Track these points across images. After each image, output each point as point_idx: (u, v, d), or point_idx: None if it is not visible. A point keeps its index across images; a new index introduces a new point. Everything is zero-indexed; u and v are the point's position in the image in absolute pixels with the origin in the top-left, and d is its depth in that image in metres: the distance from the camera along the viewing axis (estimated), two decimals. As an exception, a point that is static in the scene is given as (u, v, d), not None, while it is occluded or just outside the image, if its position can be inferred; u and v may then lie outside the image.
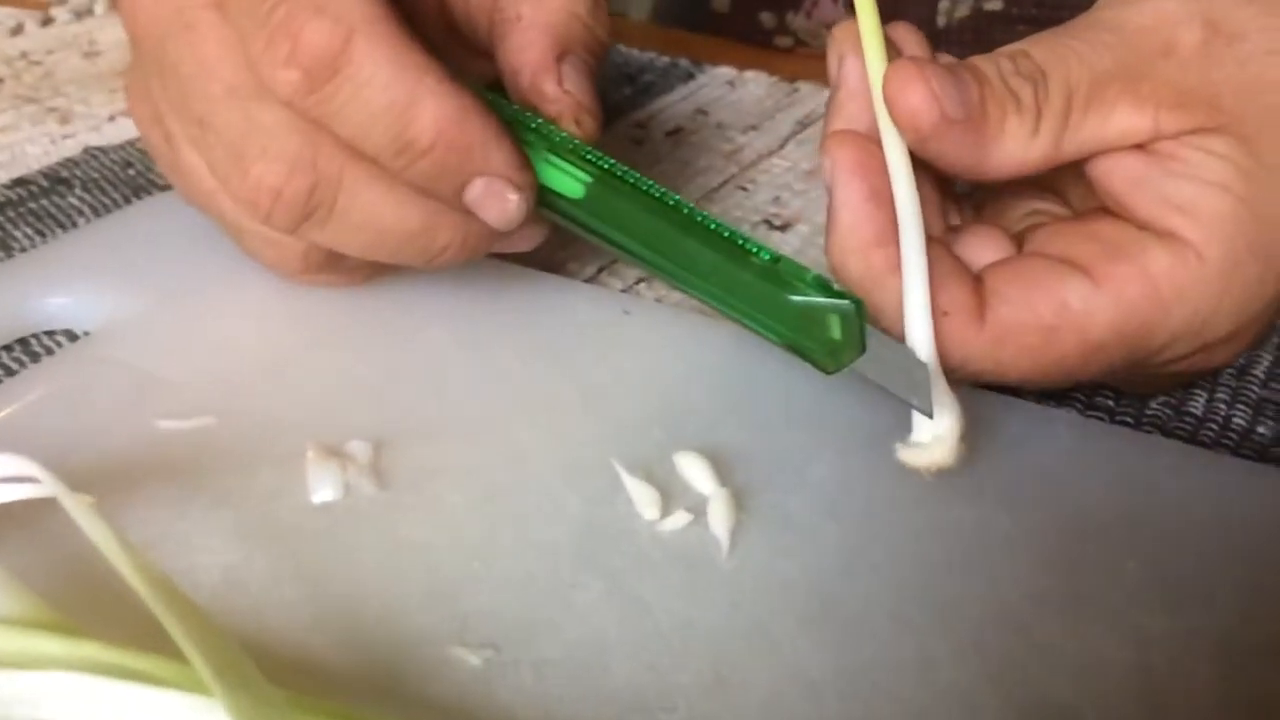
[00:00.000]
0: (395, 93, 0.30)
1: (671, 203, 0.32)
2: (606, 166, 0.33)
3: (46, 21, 0.62)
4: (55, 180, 0.46)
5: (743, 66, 0.57)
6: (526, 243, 0.35)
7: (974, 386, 0.32)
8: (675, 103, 0.55)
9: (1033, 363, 0.30)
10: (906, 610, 0.27)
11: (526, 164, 0.32)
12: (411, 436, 0.31)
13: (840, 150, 0.31)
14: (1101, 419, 0.35)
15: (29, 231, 0.43)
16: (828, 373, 0.30)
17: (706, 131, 0.52)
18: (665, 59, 0.58)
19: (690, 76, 0.57)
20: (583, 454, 0.31)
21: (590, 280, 0.41)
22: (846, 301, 0.30)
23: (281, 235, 0.33)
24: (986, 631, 0.26)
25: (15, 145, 0.49)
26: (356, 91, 0.30)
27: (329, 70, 0.30)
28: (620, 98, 0.55)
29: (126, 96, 0.35)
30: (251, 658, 0.23)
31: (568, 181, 0.33)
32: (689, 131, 0.52)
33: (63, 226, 0.43)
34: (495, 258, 0.37)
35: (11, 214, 0.44)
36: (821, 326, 0.30)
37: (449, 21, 0.39)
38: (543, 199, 0.33)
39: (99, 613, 0.24)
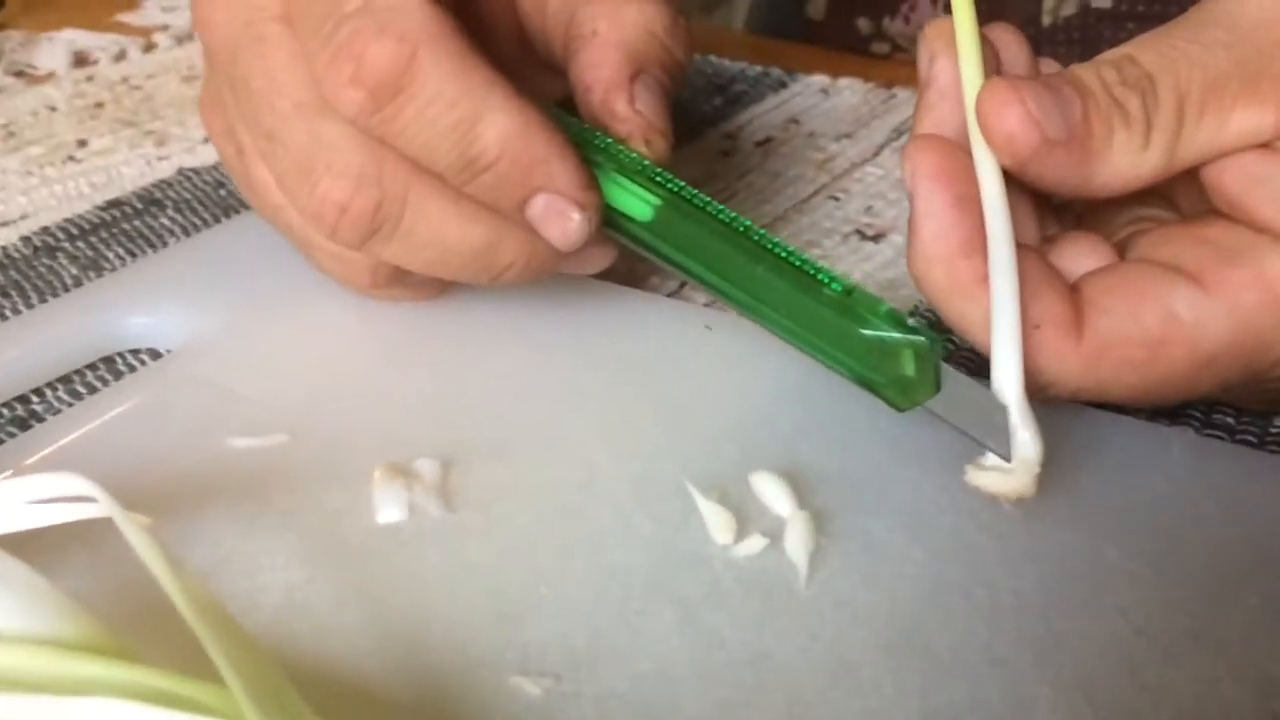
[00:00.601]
0: (460, 110, 0.30)
1: (741, 228, 0.31)
2: (676, 189, 0.32)
3: (149, 47, 0.63)
4: (149, 201, 0.47)
5: (837, 74, 0.56)
6: (595, 264, 0.34)
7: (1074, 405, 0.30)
8: (766, 112, 0.53)
9: (1138, 379, 0.28)
10: (1001, 646, 0.25)
11: (592, 183, 0.32)
12: (482, 455, 0.31)
13: (922, 156, 0.30)
14: (1221, 438, 0.33)
15: (120, 252, 0.43)
16: (899, 410, 0.29)
17: (798, 141, 0.51)
18: (757, 68, 0.57)
19: (783, 85, 0.56)
20: (657, 474, 0.30)
21: (673, 295, 0.39)
22: (921, 338, 0.28)
23: (349, 251, 0.33)
24: (1091, 671, 0.24)
25: (112, 167, 0.50)
26: (421, 110, 0.30)
27: (393, 90, 0.29)
28: (710, 108, 0.54)
29: (200, 110, 0.35)
30: (306, 683, 0.22)
31: (636, 203, 0.32)
32: (780, 141, 0.51)
33: (154, 247, 0.44)
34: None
35: (105, 235, 0.45)
36: (894, 363, 0.29)
37: (524, 38, 0.38)
38: (610, 220, 0.32)
39: (161, 636, 0.23)
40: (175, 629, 0.23)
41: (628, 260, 0.35)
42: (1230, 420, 0.33)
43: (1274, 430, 0.33)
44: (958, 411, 0.28)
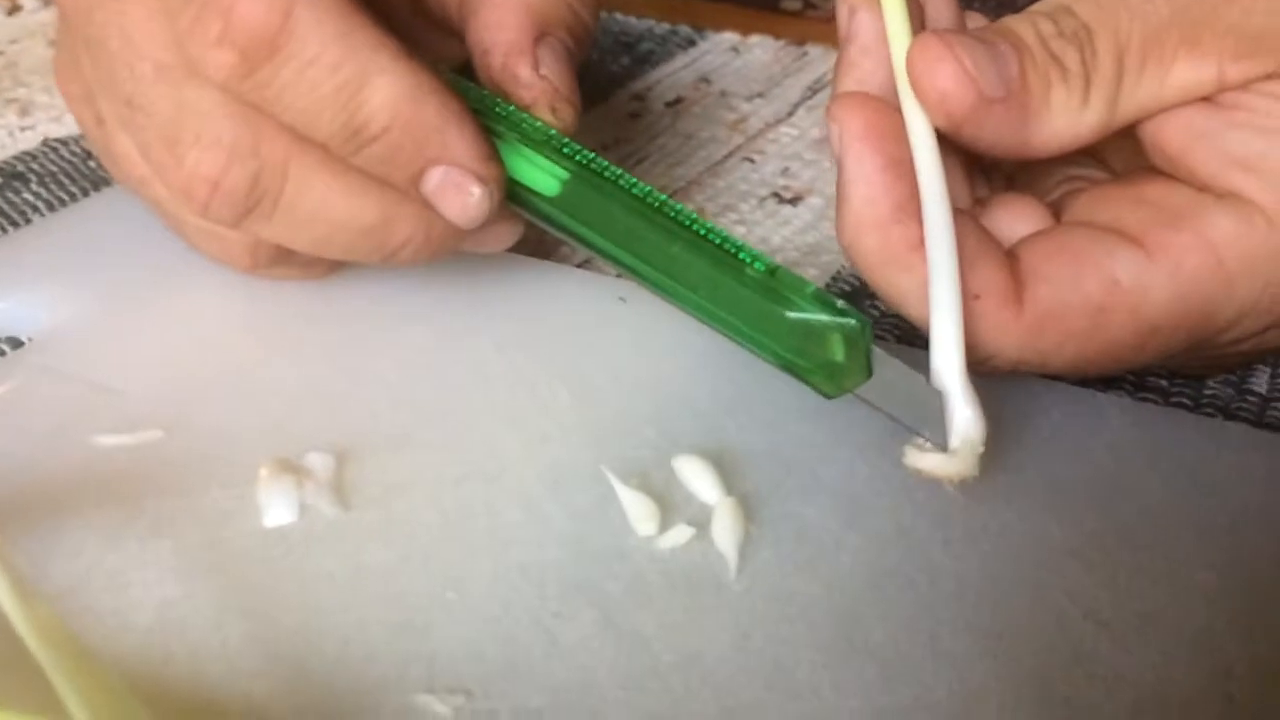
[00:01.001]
0: (344, 73, 0.27)
1: (656, 203, 0.29)
2: (585, 161, 0.30)
3: (13, 10, 0.59)
4: (10, 175, 0.43)
5: (747, 32, 0.54)
6: (499, 242, 0.32)
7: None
8: (676, 71, 0.51)
9: (1079, 350, 0.27)
10: (946, 638, 0.23)
11: (493, 154, 0.29)
12: (379, 447, 0.28)
13: (850, 115, 0.28)
14: (1155, 402, 0.31)
15: (-22, 231, 0.40)
16: (828, 397, 0.27)
17: (709, 101, 0.49)
18: (665, 26, 0.55)
19: (691, 43, 0.53)
20: (571, 461, 0.28)
21: (583, 265, 0.37)
22: (851, 320, 0.26)
23: (224, 229, 0.30)
24: (1041, 661, 0.23)
25: (-31, 139, 0.46)
26: (299, 73, 0.27)
27: (267, 50, 0.27)
28: (617, 69, 0.51)
29: (55, 74, 0.32)
30: (184, 713, 0.20)
31: (542, 177, 0.30)
32: (691, 101, 0.49)
33: (16, 225, 0.40)
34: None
35: (-39, 213, 0.41)
36: (822, 347, 0.27)
37: None
38: (514, 195, 0.30)
39: (12, 669, 0.21)
40: (28, 660, 0.20)
41: (535, 229, 0.33)
42: (1164, 383, 0.32)
43: (1208, 393, 0.32)
44: (890, 398, 0.26)
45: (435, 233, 0.29)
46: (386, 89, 0.27)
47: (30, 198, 0.42)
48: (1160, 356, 0.28)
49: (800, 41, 0.53)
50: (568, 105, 0.31)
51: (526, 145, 0.30)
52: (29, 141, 0.46)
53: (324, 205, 0.28)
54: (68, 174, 0.43)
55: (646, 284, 0.30)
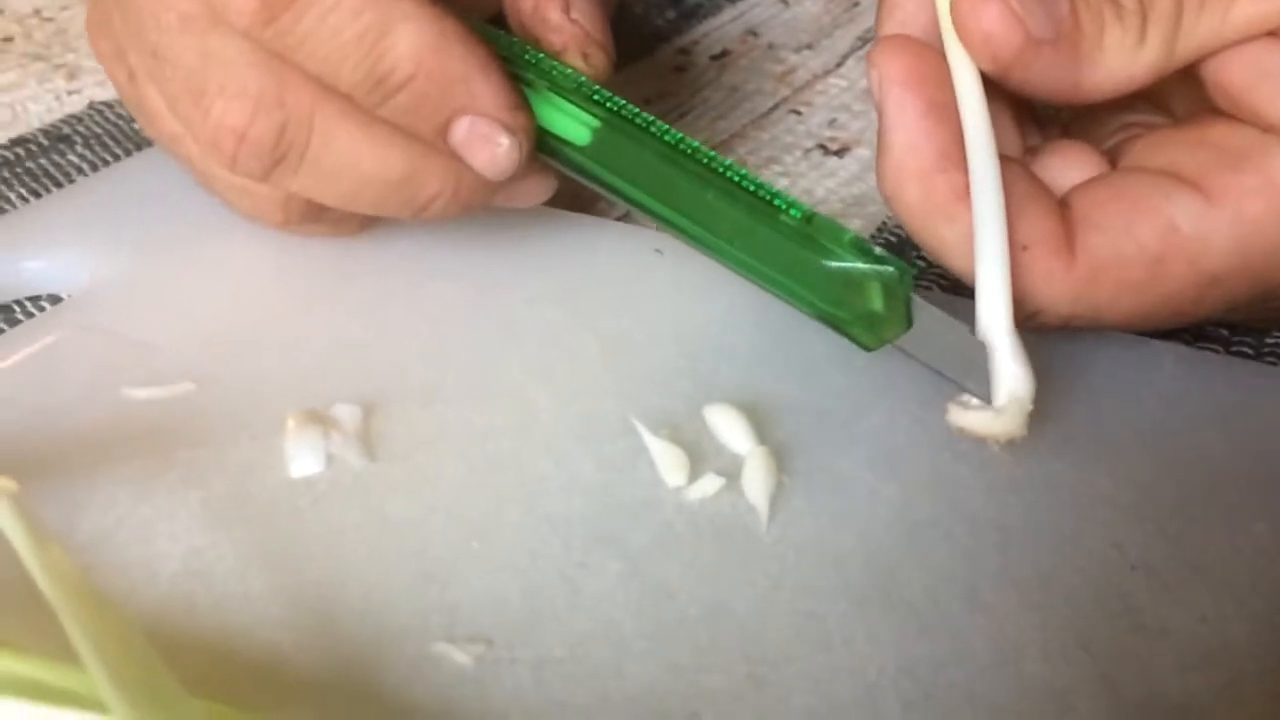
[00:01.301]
0: (366, 19, 0.26)
1: (689, 150, 0.28)
2: (616, 108, 0.29)
3: (64, -22, 0.59)
4: (56, 138, 0.44)
5: (796, -16, 0.53)
6: (532, 195, 0.31)
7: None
8: (723, 25, 0.50)
9: (1135, 302, 0.26)
10: (985, 589, 0.22)
11: (522, 104, 0.28)
12: (407, 399, 0.28)
13: (890, 59, 0.27)
14: (1215, 351, 0.30)
15: (24, 192, 0.40)
16: (867, 349, 0.26)
17: (757, 53, 0.48)
18: (712, -21, 0.54)
19: (739, -4, 0.52)
20: (601, 412, 0.27)
21: (623, 219, 0.36)
22: (890, 268, 0.25)
23: (254, 184, 0.29)
24: (1085, 613, 0.22)
25: (18, 104, 0.46)
26: (321, 19, 0.26)
27: None
28: (663, 22, 0.50)
29: (88, 31, 0.32)
30: (208, 659, 0.20)
31: (572, 125, 0.29)
32: (737, 54, 0.47)
33: (60, 185, 0.40)
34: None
35: (7, 174, 0.41)
36: (861, 297, 0.26)
37: None
38: (545, 145, 0.29)
39: (29, 615, 0.21)
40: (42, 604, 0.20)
41: (572, 183, 0.32)
42: (1224, 332, 0.31)
43: (1270, 342, 0.30)
44: (931, 349, 0.25)
45: (465, 185, 0.29)
46: (410, 36, 0.27)
47: (75, 159, 0.42)
48: (1221, 309, 0.26)
49: (851, -8, 0.52)
50: (600, 50, 0.31)
51: (557, 93, 0.29)
52: (75, 105, 0.46)
53: (351, 157, 0.28)
54: (112, 136, 0.43)
55: (680, 234, 0.29)
